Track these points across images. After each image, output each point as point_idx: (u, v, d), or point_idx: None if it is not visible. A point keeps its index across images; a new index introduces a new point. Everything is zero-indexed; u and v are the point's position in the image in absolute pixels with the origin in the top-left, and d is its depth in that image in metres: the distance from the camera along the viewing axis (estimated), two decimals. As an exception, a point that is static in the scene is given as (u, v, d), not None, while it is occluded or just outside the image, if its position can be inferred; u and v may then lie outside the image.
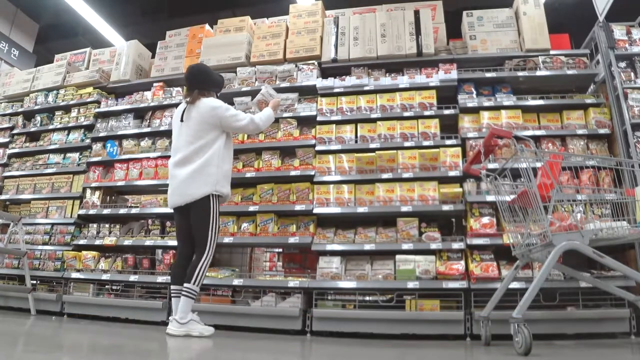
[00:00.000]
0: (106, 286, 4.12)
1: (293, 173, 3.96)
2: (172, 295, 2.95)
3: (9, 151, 5.30)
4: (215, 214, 2.94)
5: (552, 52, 4.08)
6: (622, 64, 3.77)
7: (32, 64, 7.01)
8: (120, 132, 4.76)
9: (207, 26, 5.11)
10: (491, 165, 3.50)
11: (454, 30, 4.69)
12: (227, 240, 3.85)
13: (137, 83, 5.07)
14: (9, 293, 4.31)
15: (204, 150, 2.97)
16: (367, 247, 3.57)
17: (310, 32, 4.59)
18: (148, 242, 4.14)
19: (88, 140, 4.90)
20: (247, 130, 3.18)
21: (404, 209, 3.63)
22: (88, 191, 4.63)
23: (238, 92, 4.42)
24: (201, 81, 3.18)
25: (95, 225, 4.50)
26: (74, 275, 4.19)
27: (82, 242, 4.39)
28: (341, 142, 4.02)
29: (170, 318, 2.88)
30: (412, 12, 4.42)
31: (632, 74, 3.74)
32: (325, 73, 4.42)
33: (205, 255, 2.87)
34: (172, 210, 4.11)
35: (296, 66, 4.40)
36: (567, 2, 5.90)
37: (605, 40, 3.82)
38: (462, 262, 3.38)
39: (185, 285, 2.81)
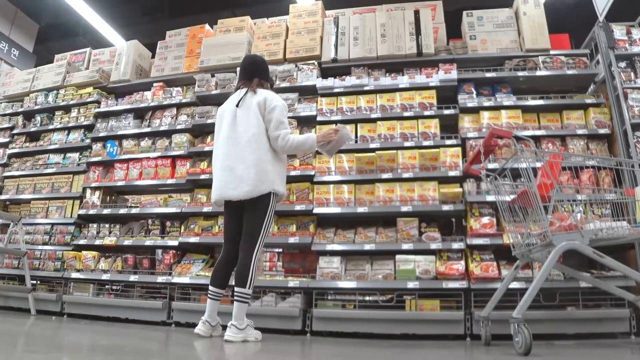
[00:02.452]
0: (106, 286, 4.12)
1: (293, 173, 3.95)
2: (209, 297, 2.81)
3: (9, 151, 5.30)
4: (271, 214, 2.77)
5: (552, 52, 4.08)
6: (622, 64, 3.77)
7: (32, 64, 7.01)
8: (120, 132, 4.76)
9: (207, 26, 5.12)
10: (491, 165, 3.50)
11: (454, 30, 4.69)
12: (227, 240, 3.85)
13: (137, 83, 5.07)
14: (9, 293, 4.31)
15: (258, 143, 2.77)
16: (367, 247, 3.57)
17: (310, 32, 4.59)
18: (148, 242, 4.14)
19: (88, 140, 4.91)
20: (274, 142, 2.79)
21: (404, 209, 3.62)
22: (88, 191, 4.63)
23: (238, 92, 4.42)
24: (262, 71, 3.05)
25: (95, 225, 4.50)
26: (74, 275, 4.19)
27: (82, 242, 4.39)
28: (341, 142, 4.02)
29: (202, 319, 2.78)
30: (412, 12, 4.42)
31: (632, 74, 3.74)
32: (325, 73, 4.42)
33: (254, 256, 2.68)
34: (171, 211, 4.19)
35: (296, 66, 4.40)
36: (567, 2, 5.90)
37: (605, 40, 3.82)
38: (462, 262, 3.38)
39: (238, 290, 2.64)
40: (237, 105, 2.89)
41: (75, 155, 4.96)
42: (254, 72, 3.00)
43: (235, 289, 2.65)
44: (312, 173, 3.93)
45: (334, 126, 3.03)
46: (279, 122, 2.80)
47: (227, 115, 2.93)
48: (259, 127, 2.80)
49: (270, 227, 2.83)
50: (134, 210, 4.38)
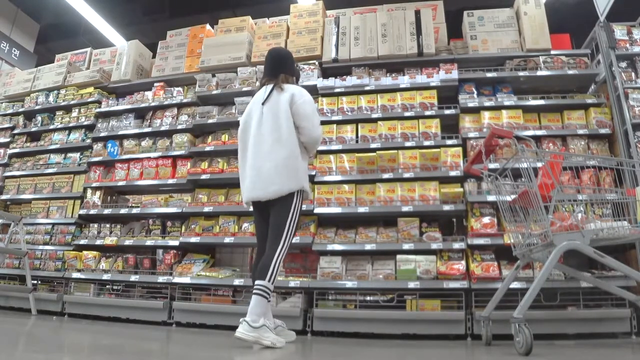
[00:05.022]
0: (107, 286, 4.13)
1: (294, 173, 3.95)
2: (253, 292, 2.62)
3: (9, 151, 5.30)
4: (296, 211, 2.70)
5: (552, 52, 4.08)
6: (623, 64, 3.77)
7: (33, 64, 7.00)
8: (121, 132, 4.76)
9: (207, 26, 5.12)
10: (492, 165, 3.49)
11: (454, 30, 4.69)
12: (227, 240, 3.86)
13: (138, 83, 5.07)
14: (10, 293, 4.32)
15: (288, 140, 2.70)
16: (368, 247, 3.57)
17: (311, 32, 4.60)
18: (149, 242, 4.15)
19: (89, 140, 4.91)
20: (306, 131, 2.75)
21: (405, 208, 3.62)
22: (89, 191, 4.64)
23: (239, 92, 4.42)
24: (288, 66, 2.97)
25: (96, 225, 4.50)
26: (75, 275, 4.19)
27: (82, 242, 4.40)
28: (342, 142, 4.02)
29: (241, 319, 2.54)
30: (413, 12, 4.42)
31: (633, 73, 3.73)
32: (326, 73, 4.42)
33: (278, 250, 2.59)
34: (172, 211, 4.19)
35: (297, 66, 4.40)
36: (568, 2, 5.90)
37: (606, 40, 3.81)
38: (463, 262, 3.38)
39: (258, 282, 2.51)
40: (262, 104, 2.82)
41: (76, 155, 4.96)
42: (280, 68, 2.92)
43: (256, 281, 2.53)
44: (313, 173, 3.92)
45: None
46: (311, 112, 2.78)
47: (254, 114, 2.85)
48: (288, 123, 2.73)
49: (296, 224, 2.72)
50: (134, 210, 4.38)
